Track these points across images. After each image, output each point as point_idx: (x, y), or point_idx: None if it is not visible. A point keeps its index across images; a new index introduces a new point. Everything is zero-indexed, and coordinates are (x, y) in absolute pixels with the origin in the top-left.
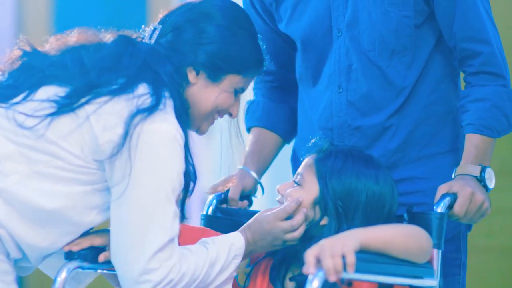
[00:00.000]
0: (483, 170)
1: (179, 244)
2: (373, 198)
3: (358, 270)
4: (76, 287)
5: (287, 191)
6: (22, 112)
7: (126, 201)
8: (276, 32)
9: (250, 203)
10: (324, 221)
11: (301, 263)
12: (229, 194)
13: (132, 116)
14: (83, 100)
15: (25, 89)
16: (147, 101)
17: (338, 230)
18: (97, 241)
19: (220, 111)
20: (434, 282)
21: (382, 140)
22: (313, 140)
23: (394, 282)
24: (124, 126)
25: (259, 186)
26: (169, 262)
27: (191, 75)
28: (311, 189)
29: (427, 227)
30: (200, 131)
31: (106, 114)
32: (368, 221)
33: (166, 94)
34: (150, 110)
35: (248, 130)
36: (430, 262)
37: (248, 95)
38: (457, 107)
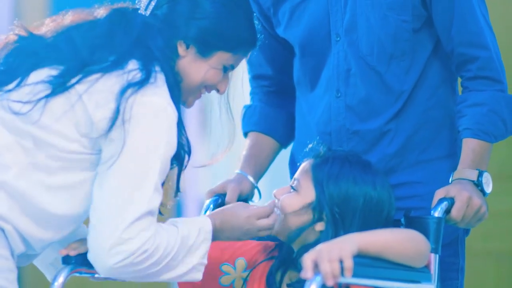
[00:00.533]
0: (480, 174)
1: None
2: (371, 204)
3: (355, 274)
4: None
5: (281, 196)
6: (17, 100)
7: (112, 171)
8: (273, 36)
9: None
10: (319, 227)
11: (297, 268)
12: (226, 198)
13: (123, 91)
14: (75, 79)
15: (18, 75)
16: (137, 75)
17: (335, 236)
18: None
19: (207, 87)
20: (432, 286)
21: (381, 144)
22: (310, 145)
23: (392, 286)
24: (115, 100)
25: (256, 191)
26: (145, 233)
27: (181, 48)
28: (308, 195)
29: (424, 231)
30: (186, 104)
31: (98, 92)
32: (366, 226)
33: (157, 68)
34: (141, 84)
35: (245, 134)
36: (427, 266)
37: (245, 99)
38: (455, 111)
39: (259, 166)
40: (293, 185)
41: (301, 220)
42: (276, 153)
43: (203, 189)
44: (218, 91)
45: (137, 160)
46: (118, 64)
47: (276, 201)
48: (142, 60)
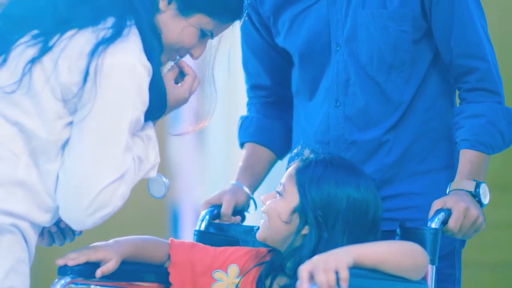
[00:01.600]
0: (477, 185)
1: (170, 263)
2: (354, 206)
3: (351, 285)
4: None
5: (267, 202)
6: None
7: (83, 133)
8: (272, 47)
9: (243, 219)
10: (305, 231)
11: (286, 274)
12: (222, 210)
13: (93, 51)
14: (55, 38)
15: (4, 45)
16: (109, 32)
17: (319, 239)
18: (93, 256)
19: (181, 49)
20: None
21: (379, 154)
22: (295, 151)
23: None
24: (86, 62)
25: (251, 202)
26: (118, 192)
27: (163, 3)
28: (292, 199)
29: (421, 242)
30: None
31: (70, 54)
32: (351, 229)
33: (131, 22)
34: (110, 40)
35: (242, 145)
36: (424, 278)
37: (242, 110)
38: (453, 123)
39: (255, 177)
40: (278, 190)
41: (287, 225)
42: (272, 164)
43: (199, 198)
44: (192, 56)
45: (106, 122)
46: (95, 19)
47: (264, 207)
48: (119, 15)
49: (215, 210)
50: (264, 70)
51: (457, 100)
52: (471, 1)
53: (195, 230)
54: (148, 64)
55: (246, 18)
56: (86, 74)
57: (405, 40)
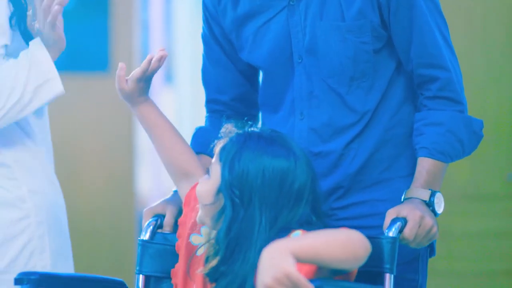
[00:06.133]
0: (432, 194)
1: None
2: (272, 177)
3: None
4: None
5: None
6: None
7: None
8: (233, 61)
9: None
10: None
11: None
12: (164, 221)
13: None
14: None
15: None
16: None
17: (235, 218)
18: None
19: None
20: None
21: (343, 164)
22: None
23: None
24: None
25: None
26: None
27: None
28: (216, 179)
29: (378, 251)
30: None
31: None
32: (269, 205)
33: None
34: None
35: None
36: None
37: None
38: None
39: None
40: (209, 171)
41: (213, 206)
42: None
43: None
44: None
45: None
46: None
47: None
48: None
49: (158, 220)
50: (222, 85)
51: None
52: (431, 10)
53: (139, 240)
54: None
55: (208, 32)
56: None
57: (365, 51)
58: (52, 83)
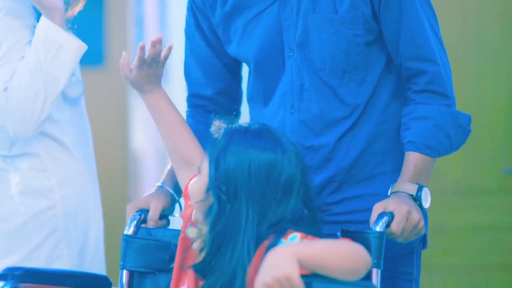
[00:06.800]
0: (419, 189)
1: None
2: (258, 171)
3: None
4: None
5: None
6: None
7: None
8: (218, 56)
9: (168, 223)
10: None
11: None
12: (149, 216)
13: None
14: None
15: None
16: None
17: (222, 213)
18: None
19: None
20: None
21: (336, 158)
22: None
23: None
24: None
25: (177, 205)
26: None
27: None
28: (205, 176)
29: (365, 246)
30: None
31: None
32: (256, 199)
33: None
34: None
35: None
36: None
37: None
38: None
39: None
40: (200, 169)
41: (203, 203)
42: None
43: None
44: None
45: None
46: None
47: None
48: None
49: (142, 215)
50: (206, 79)
51: None
52: (420, 3)
53: (123, 235)
54: None
55: (193, 25)
56: None
57: (357, 44)
58: (67, 45)
